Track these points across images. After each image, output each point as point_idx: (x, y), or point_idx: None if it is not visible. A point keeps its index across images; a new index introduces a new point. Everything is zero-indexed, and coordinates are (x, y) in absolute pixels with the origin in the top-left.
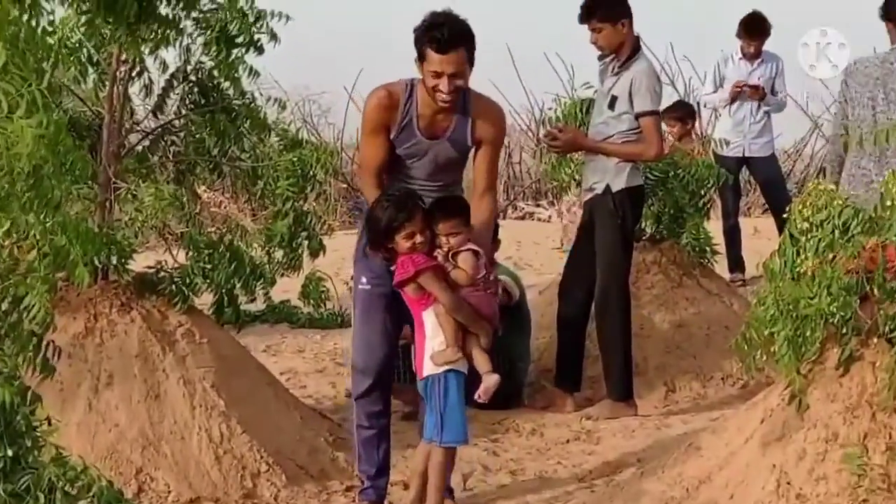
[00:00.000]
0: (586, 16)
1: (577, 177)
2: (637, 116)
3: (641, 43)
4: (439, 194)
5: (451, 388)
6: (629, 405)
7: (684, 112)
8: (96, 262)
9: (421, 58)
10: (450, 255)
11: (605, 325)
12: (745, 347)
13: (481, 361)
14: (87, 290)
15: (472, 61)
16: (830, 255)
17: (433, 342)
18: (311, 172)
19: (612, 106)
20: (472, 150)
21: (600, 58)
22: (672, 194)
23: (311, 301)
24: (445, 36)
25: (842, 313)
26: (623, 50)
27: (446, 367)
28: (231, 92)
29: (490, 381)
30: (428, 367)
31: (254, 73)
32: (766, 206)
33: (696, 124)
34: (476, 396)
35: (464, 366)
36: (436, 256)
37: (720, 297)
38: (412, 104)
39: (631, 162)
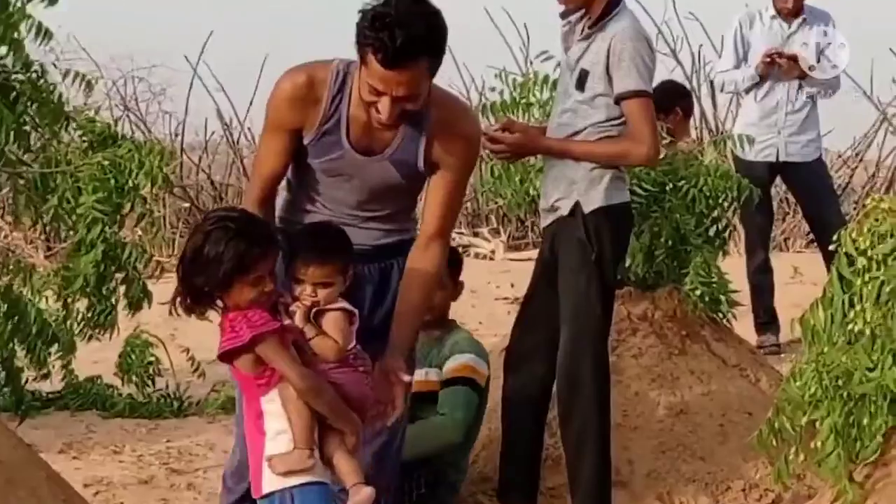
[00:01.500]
0: None
1: (533, 191)
2: (618, 100)
3: None
4: (375, 233)
5: None
6: None
7: (674, 96)
8: None
9: (361, 60)
10: (312, 313)
11: (572, 410)
12: (775, 443)
13: (347, 470)
14: None
15: (434, 70)
16: None
17: (276, 442)
18: (132, 183)
19: (580, 85)
20: (425, 172)
21: (563, 15)
22: (671, 218)
23: (133, 377)
24: (397, 44)
25: None
26: (596, 4)
27: (296, 479)
28: (9, 62)
29: (359, 497)
30: (268, 480)
31: (45, 33)
32: (811, 234)
33: (697, 113)
34: None
35: (323, 475)
36: (280, 311)
37: (741, 369)
38: (342, 101)
39: (611, 169)
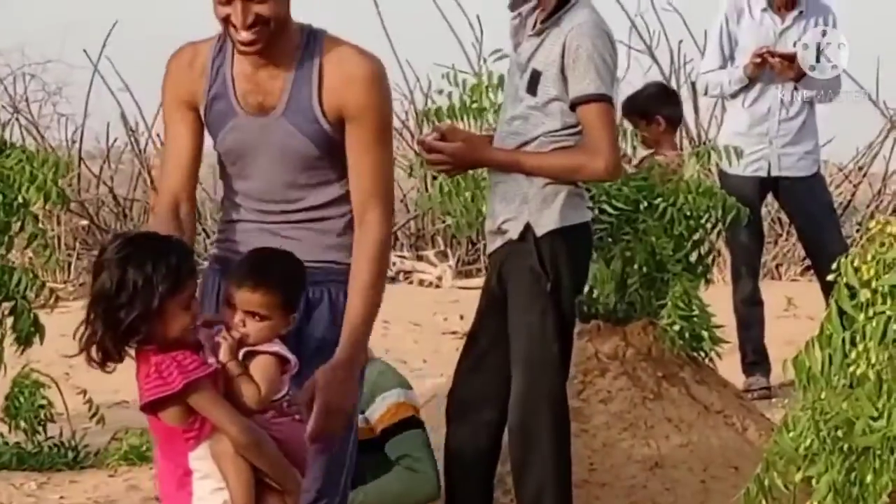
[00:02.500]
0: None
1: (486, 209)
2: (574, 105)
3: None
4: (299, 232)
5: None
6: None
7: (658, 102)
8: None
9: None
10: (240, 351)
11: (527, 467)
12: (765, 503)
13: None
14: None
15: None
16: None
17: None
18: (21, 198)
19: (532, 89)
20: (333, 133)
21: (512, 6)
22: (646, 241)
23: (22, 423)
24: None
25: None
26: None
27: None
28: None
29: None
30: None
31: None
32: (808, 261)
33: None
34: None
35: None
36: (206, 349)
37: (726, 416)
38: (223, 62)
39: (568, 184)
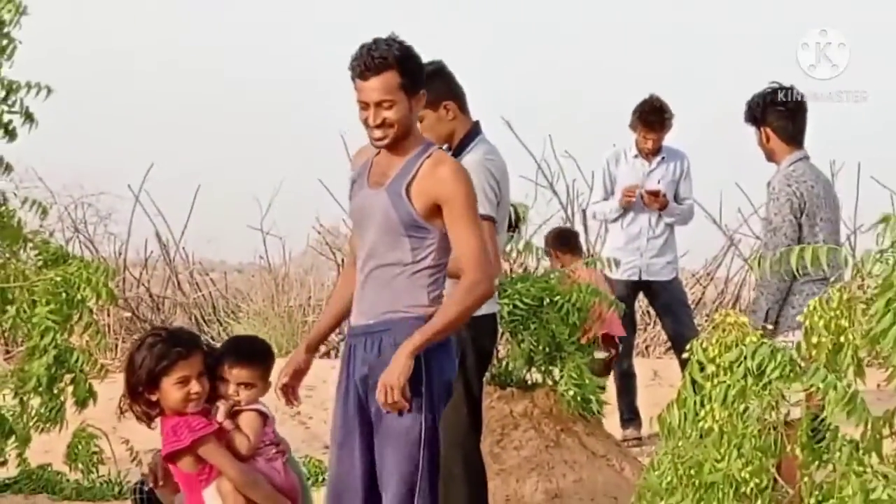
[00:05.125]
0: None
1: None
2: None
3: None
4: (373, 301)
5: None
6: None
7: (562, 242)
8: None
9: (355, 89)
10: (231, 410)
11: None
12: None
13: None
14: None
15: (409, 90)
16: (741, 407)
17: None
18: (80, 296)
19: None
20: (423, 217)
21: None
22: (548, 328)
23: (80, 465)
24: (366, 59)
25: (756, 480)
26: (455, 138)
27: None
28: None
29: None
30: None
31: (6, 167)
32: (669, 343)
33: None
34: None
35: None
36: (211, 412)
37: (608, 459)
38: (368, 159)
39: None
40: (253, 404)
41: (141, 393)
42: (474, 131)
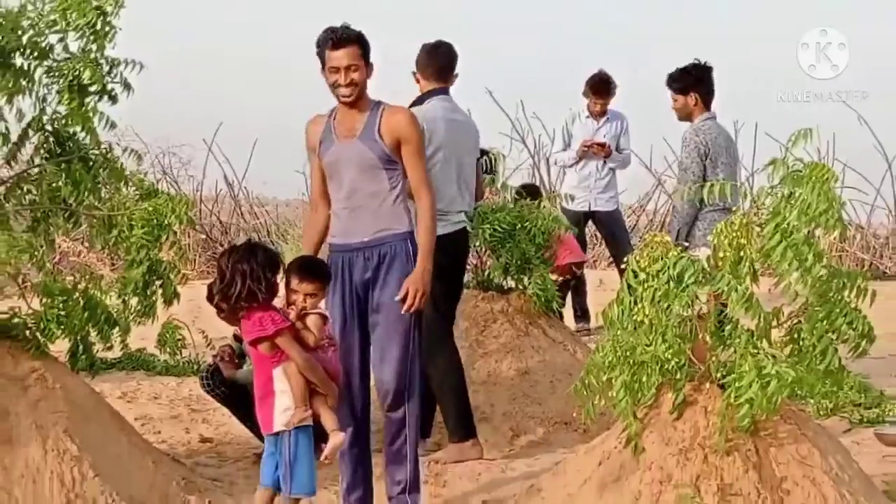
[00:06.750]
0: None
1: None
2: None
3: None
4: (366, 225)
5: (301, 443)
6: (474, 446)
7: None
8: None
9: (323, 63)
10: (300, 313)
11: (433, 371)
12: (585, 393)
13: (329, 420)
14: None
15: (366, 59)
16: (665, 304)
17: (283, 399)
18: (166, 222)
19: None
20: (391, 152)
21: None
22: (519, 246)
23: (168, 349)
24: (339, 35)
25: (676, 359)
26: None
27: (294, 423)
28: (87, 142)
29: (337, 439)
30: (279, 424)
31: (109, 122)
32: (611, 258)
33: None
34: (322, 458)
35: (311, 420)
36: (288, 314)
37: (565, 345)
38: (333, 116)
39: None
40: (316, 308)
41: (255, 296)
42: (433, 92)
